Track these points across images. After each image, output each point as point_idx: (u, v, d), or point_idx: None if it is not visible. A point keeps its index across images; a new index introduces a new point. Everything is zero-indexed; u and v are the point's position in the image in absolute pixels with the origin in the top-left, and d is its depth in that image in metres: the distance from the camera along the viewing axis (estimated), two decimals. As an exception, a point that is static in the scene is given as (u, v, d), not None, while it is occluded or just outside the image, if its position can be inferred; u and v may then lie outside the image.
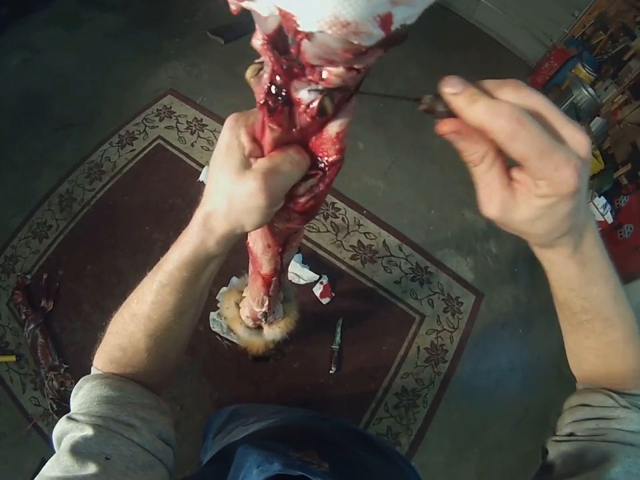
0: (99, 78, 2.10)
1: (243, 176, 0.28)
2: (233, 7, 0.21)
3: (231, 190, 0.29)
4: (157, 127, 1.96)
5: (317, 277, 1.57)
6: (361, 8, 0.16)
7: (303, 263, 1.59)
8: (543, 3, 2.48)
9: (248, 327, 0.75)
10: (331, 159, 0.30)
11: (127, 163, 1.83)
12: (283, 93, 0.24)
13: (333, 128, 0.27)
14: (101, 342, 0.38)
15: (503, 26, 2.74)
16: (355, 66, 0.21)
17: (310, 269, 1.57)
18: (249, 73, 0.25)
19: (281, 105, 0.24)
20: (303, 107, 0.24)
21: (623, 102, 2.13)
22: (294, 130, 0.27)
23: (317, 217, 1.79)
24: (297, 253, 1.62)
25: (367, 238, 1.77)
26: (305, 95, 0.23)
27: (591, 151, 0.23)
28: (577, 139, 0.22)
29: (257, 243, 0.46)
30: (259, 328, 0.76)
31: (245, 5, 0.20)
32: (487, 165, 0.23)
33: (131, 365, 0.36)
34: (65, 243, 1.66)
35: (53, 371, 1.41)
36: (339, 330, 1.53)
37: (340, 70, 0.21)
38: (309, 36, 0.19)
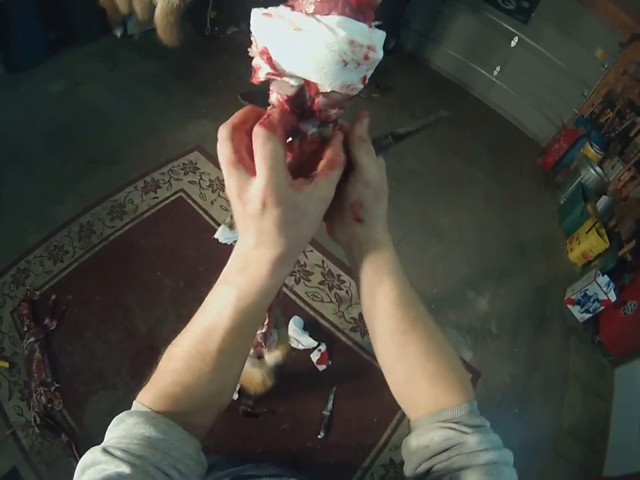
0: (132, 120, 2.23)
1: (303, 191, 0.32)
2: (259, 78, 0.31)
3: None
4: (181, 179, 2.06)
5: (316, 343, 1.61)
6: (356, 75, 0.30)
7: (303, 329, 1.64)
8: (555, 84, 2.60)
9: (249, 357, 0.78)
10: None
11: (148, 209, 1.92)
12: (295, 131, 0.33)
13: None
14: (149, 380, 0.37)
15: (516, 107, 2.86)
16: (345, 106, 0.33)
17: (310, 335, 1.61)
18: None
19: (293, 139, 0.34)
20: (309, 137, 0.34)
21: (629, 179, 2.17)
22: (305, 152, 0.36)
23: (322, 287, 1.83)
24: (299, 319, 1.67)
25: (369, 311, 1.79)
26: (309, 128, 0.34)
27: None
28: None
29: None
30: (259, 358, 0.79)
31: (283, 79, 0.30)
32: None
33: (187, 400, 0.35)
34: (79, 271, 1.71)
35: (44, 386, 1.41)
36: (331, 397, 1.54)
37: (337, 110, 0.33)
38: (324, 94, 0.30)
